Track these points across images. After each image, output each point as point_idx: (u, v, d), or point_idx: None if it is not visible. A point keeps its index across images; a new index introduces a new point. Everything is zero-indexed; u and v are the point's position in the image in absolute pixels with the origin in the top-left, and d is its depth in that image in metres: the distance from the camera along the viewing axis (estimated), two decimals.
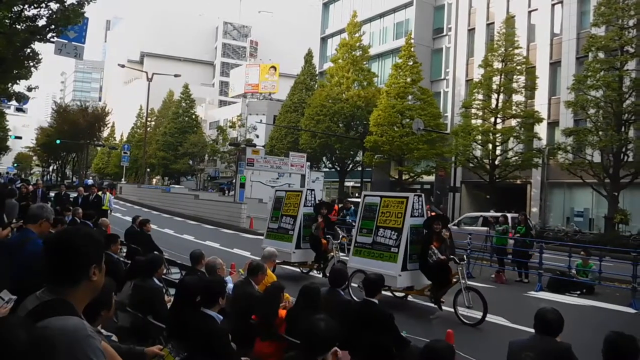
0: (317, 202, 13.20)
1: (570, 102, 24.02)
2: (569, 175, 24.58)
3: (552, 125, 30.25)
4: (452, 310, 8.73)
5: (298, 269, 12.63)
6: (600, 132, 22.95)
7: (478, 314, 8.41)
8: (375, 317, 5.02)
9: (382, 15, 43.87)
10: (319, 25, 51.51)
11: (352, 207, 18.37)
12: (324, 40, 50.86)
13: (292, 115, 44.97)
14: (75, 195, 16.49)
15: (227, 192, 52.28)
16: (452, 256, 8.90)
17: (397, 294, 9.99)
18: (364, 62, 38.38)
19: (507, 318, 8.74)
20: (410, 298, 10.15)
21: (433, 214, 10.85)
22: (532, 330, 4.03)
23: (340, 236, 12.47)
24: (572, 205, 29.90)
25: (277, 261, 11.93)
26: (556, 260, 14.64)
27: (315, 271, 12.44)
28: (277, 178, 32.98)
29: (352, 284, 9.58)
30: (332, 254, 11.51)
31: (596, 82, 22.88)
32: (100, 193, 17.06)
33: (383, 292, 9.39)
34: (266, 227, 13.56)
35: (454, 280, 8.87)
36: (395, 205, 9.63)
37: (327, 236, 11.73)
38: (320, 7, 51.93)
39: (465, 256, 9.76)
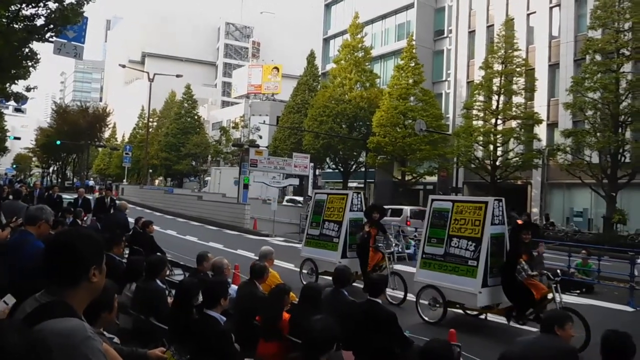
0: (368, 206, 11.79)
1: (568, 104, 24.24)
2: (568, 175, 24.80)
3: (552, 126, 30.33)
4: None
5: None
6: (598, 134, 23.21)
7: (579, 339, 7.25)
8: (379, 317, 5.01)
9: (383, 17, 43.86)
10: (321, 26, 51.51)
11: None
12: (326, 41, 50.87)
13: (295, 116, 44.94)
14: (76, 196, 16.19)
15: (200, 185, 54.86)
16: (544, 271, 7.89)
17: (470, 312, 8.86)
18: (366, 64, 38.34)
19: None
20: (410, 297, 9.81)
21: (519, 221, 9.40)
22: (534, 329, 4.05)
23: (394, 244, 11.17)
24: (572, 205, 29.97)
25: (320, 272, 11.17)
26: (556, 260, 14.65)
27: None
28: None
29: (422, 301, 8.82)
30: (383, 264, 10.33)
31: (593, 84, 23.13)
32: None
33: (454, 310, 8.83)
34: (305, 233, 12.47)
35: (549, 298, 7.78)
36: (471, 211, 8.55)
37: (379, 245, 10.45)
38: (322, 8, 51.94)
39: (558, 271, 8.30)
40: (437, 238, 8.87)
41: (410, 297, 9.47)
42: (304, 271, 11.56)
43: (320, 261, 11.24)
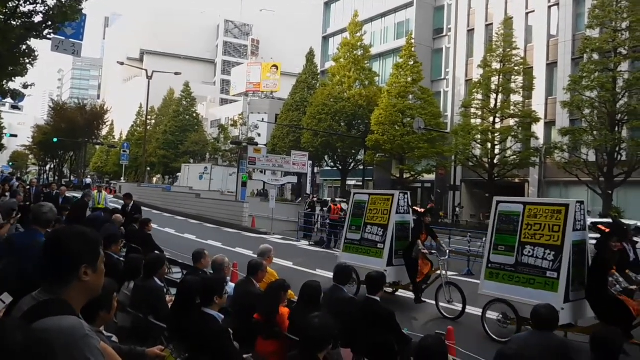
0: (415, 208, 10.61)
1: (566, 103, 24.47)
2: (565, 173, 25.09)
3: (549, 124, 30.51)
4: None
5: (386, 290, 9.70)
6: (595, 132, 23.39)
7: None
8: (377, 314, 5.02)
9: (383, 15, 43.91)
10: (321, 25, 51.53)
11: None
12: (325, 39, 50.87)
13: (294, 114, 44.89)
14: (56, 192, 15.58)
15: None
16: None
17: None
18: (366, 62, 38.38)
19: None
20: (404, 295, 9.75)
21: (602, 227, 8.13)
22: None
23: (448, 252, 10.16)
24: None
25: (362, 280, 9.88)
26: None
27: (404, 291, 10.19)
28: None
29: (489, 315, 7.83)
30: (438, 272, 9.45)
31: (591, 83, 23.33)
32: (96, 192, 16.45)
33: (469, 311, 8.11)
34: (343, 237, 11.44)
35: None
36: (548, 215, 7.48)
37: (432, 252, 9.63)
38: (321, 7, 51.90)
39: None
40: (505, 245, 7.84)
41: (470, 309, 8.58)
42: None
43: (363, 269, 9.57)
